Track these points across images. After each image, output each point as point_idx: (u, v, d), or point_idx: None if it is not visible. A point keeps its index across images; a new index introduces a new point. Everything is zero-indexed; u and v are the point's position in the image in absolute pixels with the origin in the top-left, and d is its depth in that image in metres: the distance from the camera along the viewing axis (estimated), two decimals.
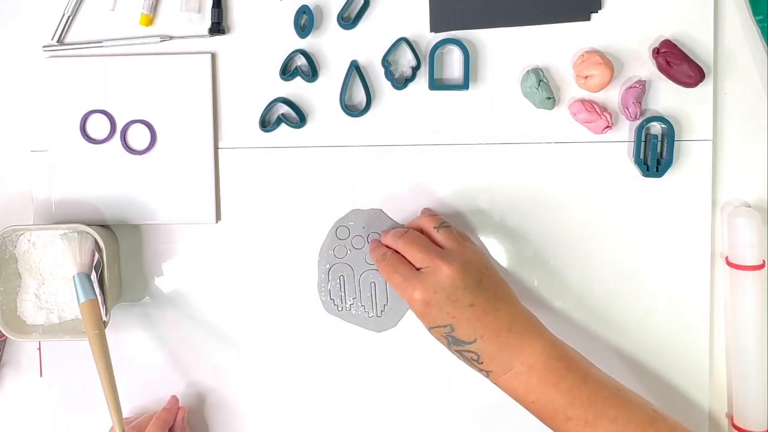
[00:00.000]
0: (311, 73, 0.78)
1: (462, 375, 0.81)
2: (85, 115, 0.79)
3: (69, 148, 0.79)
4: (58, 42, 0.79)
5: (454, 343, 0.67)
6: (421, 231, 0.73)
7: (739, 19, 0.78)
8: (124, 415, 0.76)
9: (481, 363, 0.67)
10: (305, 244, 0.80)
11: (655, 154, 0.77)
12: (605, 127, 0.76)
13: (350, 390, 0.81)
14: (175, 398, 0.81)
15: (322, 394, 0.82)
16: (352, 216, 0.80)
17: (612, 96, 0.78)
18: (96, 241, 0.75)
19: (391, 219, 0.80)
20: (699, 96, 0.77)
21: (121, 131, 0.79)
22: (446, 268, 0.67)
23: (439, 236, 0.71)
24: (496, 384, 0.68)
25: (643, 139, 0.77)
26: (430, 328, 0.69)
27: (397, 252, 0.72)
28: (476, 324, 0.66)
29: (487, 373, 0.68)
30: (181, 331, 0.81)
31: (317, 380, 0.82)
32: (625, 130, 0.79)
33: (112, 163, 0.79)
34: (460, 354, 0.68)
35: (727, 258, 0.78)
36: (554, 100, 0.77)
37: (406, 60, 0.79)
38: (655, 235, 0.79)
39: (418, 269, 0.69)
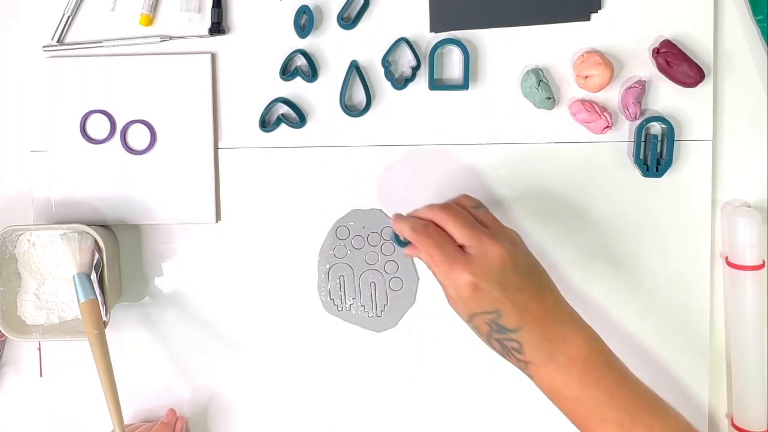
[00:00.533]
0: (311, 73, 0.78)
1: (462, 375, 0.81)
2: (85, 115, 0.79)
3: (69, 148, 0.79)
4: (58, 42, 0.79)
5: (497, 331, 0.62)
6: None
7: (739, 19, 0.78)
8: (126, 421, 0.76)
9: (522, 354, 0.62)
10: (305, 244, 0.80)
11: (655, 154, 0.77)
12: (605, 127, 0.76)
13: (350, 390, 0.81)
14: (172, 411, 0.81)
15: (322, 394, 0.81)
16: (352, 216, 0.80)
17: (612, 96, 0.78)
18: (96, 241, 0.75)
19: (391, 219, 0.79)
20: (699, 96, 0.78)
21: (121, 131, 0.79)
22: (497, 249, 0.61)
23: (480, 215, 0.66)
24: (532, 377, 0.63)
25: (643, 139, 0.77)
26: (473, 315, 0.62)
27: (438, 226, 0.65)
28: (523, 311, 0.61)
29: (525, 365, 0.62)
30: (181, 331, 0.81)
31: (317, 380, 0.82)
32: (625, 130, 0.79)
33: (112, 163, 0.79)
34: (500, 343, 0.62)
35: (727, 258, 0.78)
36: (554, 100, 0.77)
37: (406, 60, 0.79)
38: (655, 235, 0.79)
39: (460, 247, 0.63)
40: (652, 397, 0.64)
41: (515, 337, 0.62)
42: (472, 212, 0.66)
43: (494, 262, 0.61)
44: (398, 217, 0.68)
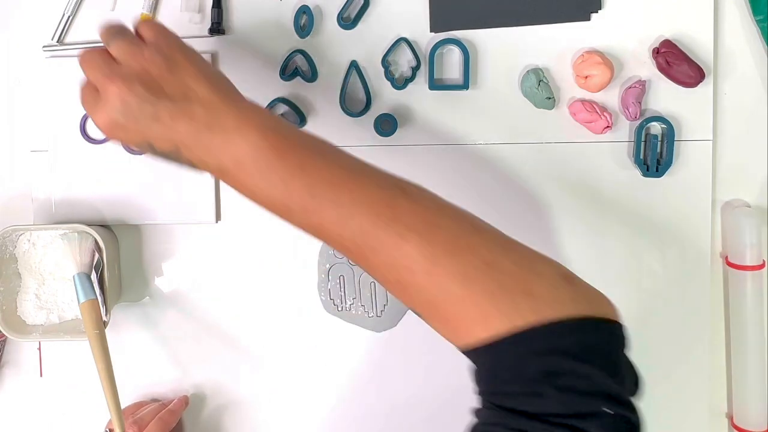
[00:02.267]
0: (311, 73, 0.78)
1: (462, 375, 0.81)
2: (85, 115, 0.79)
3: (69, 148, 0.79)
4: (57, 42, 0.79)
5: (160, 155, 0.60)
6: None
7: (739, 19, 0.78)
8: (125, 403, 0.76)
9: (198, 169, 0.60)
10: (305, 244, 0.80)
11: (655, 154, 0.77)
12: (605, 127, 0.76)
13: (350, 390, 0.81)
14: (181, 400, 0.80)
15: (322, 394, 0.81)
16: None
17: (612, 96, 0.78)
18: (96, 241, 0.75)
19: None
20: (699, 96, 0.77)
21: None
22: (113, 88, 0.59)
23: (114, 50, 0.62)
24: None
25: (643, 139, 0.77)
26: (139, 146, 0.61)
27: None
28: (169, 134, 0.59)
29: (207, 167, 0.60)
30: (181, 331, 0.81)
31: (317, 380, 0.82)
32: (625, 130, 0.79)
33: (112, 163, 0.79)
34: (173, 157, 0.61)
35: (727, 258, 0.78)
36: (554, 100, 0.77)
37: (406, 60, 0.79)
38: (655, 235, 0.79)
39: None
40: (346, 171, 0.59)
41: (178, 154, 0.60)
42: (110, 48, 0.63)
43: (115, 103, 0.59)
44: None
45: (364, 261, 0.56)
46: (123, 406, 0.74)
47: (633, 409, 0.51)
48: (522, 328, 0.50)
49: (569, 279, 0.54)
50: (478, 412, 0.54)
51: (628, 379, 0.54)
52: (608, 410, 0.50)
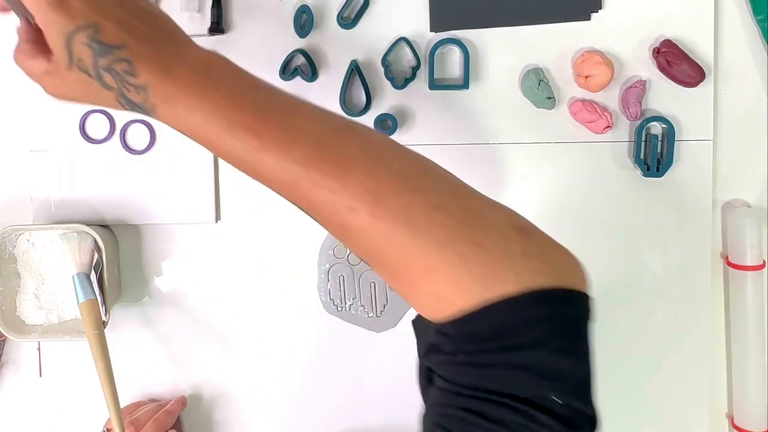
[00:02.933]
0: (311, 72, 0.78)
1: None
2: (84, 115, 0.79)
3: (69, 148, 0.79)
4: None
5: (100, 52, 0.53)
6: None
7: (739, 19, 0.78)
8: (124, 403, 0.76)
9: (136, 75, 0.53)
10: (305, 244, 0.80)
11: (655, 154, 0.77)
12: (605, 127, 0.76)
13: (350, 390, 0.81)
14: (178, 401, 0.80)
15: (322, 394, 0.81)
16: None
17: (612, 96, 0.78)
18: (95, 241, 0.75)
19: None
20: (699, 96, 0.77)
21: (121, 131, 0.79)
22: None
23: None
24: (153, 108, 0.55)
25: (643, 139, 0.77)
26: (69, 35, 0.53)
27: None
28: (126, 26, 0.53)
29: (145, 93, 0.54)
30: (180, 331, 0.81)
31: (317, 380, 0.81)
32: (625, 130, 0.79)
33: (112, 163, 0.79)
34: (111, 74, 0.53)
35: (727, 258, 0.78)
36: (554, 100, 0.77)
37: (406, 60, 0.78)
38: (655, 235, 0.79)
39: None
40: (301, 101, 0.55)
41: (122, 55, 0.53)
42: None
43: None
44: None
45: (306, 200, 0.52)
46: (122, 405, 0.73)
47: (586, 400, 0.48)
48: (468, 294, 0.46)
49: (525, 231, 0.50)
50: (425, 386, 0.51)
51: (583, 360, 0.50)
52: (558, 399, 0.46)
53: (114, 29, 0.53)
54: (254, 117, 0.53)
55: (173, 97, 0.54)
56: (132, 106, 0.55)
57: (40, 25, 0.54)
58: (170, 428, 0.77)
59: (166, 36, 0.55)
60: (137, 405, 0.79)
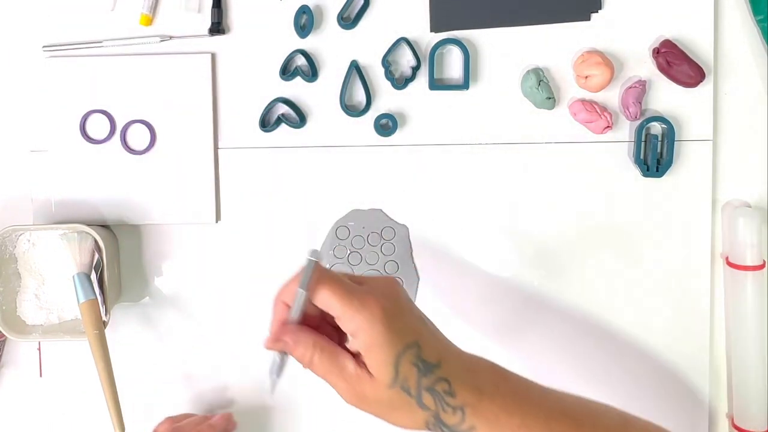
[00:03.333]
0: (311, 73, 0.78)
1: None
2: (85, 115, 0.79)
3: (69, 148, 0.79)
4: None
5: (423, 370, 0.53)
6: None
7: (739, 19, 0.78)
8: (126, 420, 0.75)
9: (455, 395, 0.53)
10: (305, 245, 0.80)
11: (655, 154, 0.77)
12: (605, 127, 0.76)
13: None
14: (224, 416, 0.79)
15: (322, 394, 0.81)
16: (352, 216, 0.80)
17: (612, 96, 0.78)
18: (96, 241, 0.75)
19: (391, 219, 0.80)
20: (699, 96, 0.77)
21: (121, 131, 0.79)
22: (382, 279, 0.56)
23: (356, 278, 0.57)
24: (474, 428, 0.53)
25: (643, 139, 0.77)
26: (398, 358, 0.52)
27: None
28: (436, 342, 0.54)
29: (463, 414, 0.53)
30: (181, 331, 0.81)
31: (317, 380, 0.81)
32: (625, 130, 0.79)
33: (112, 163, 0.79)
34: (432, 395, 0.53)
35: (727, 258, 0.78)
36: (554, 100, 0.77)
37: (406, 60, 0.79)
38: (655, 235, 0.79)
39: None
40: (584, 406, 0.57)
41: (441, 374, 0.53)
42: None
43: (392, 289, 0.56)
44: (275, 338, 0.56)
45: None
46: (121, 405, 0.73)
47: None
48: None
49: None
50: None
51: None
52: None
53: (431, 347, 0.53)
54: (569, 420, 0.54)
55: (496, 415, 0.53)
56: (443, 428, 0.53)
57: (365, 343, 0.53)
58: None
59: (458, 351, 0.56)
60: (185, 416, 0.79)
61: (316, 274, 0.54)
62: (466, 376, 0.54)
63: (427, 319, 0.56)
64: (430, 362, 0.53)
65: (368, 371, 0.53)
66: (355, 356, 0.54)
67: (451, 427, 0.53)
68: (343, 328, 0.54)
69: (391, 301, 0.54)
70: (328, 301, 0.53)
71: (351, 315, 0.53)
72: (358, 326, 0.53)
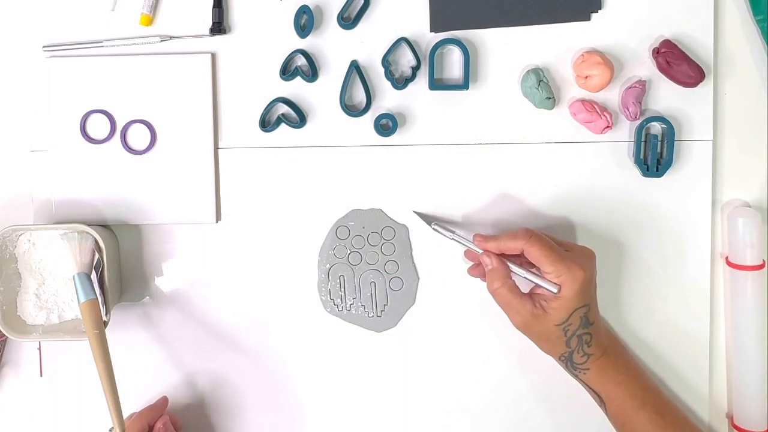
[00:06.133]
0: (311, 73, 0.78)
1: (461, 375, 0.81)
2: (85, 115, 0.79)
3: (69, 148, 0.79)
4: None
5: (583, 325, 0.71)
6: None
7: (739, 19, 0.78)
8: (126, 403, 0.75)
9: (590, 346, 0.72)
10: (305, 244, 0.80)
11: (655, 154, 0.77)
12: (605, 127, 0.76)
13: (350, 390, 0.81)
14: (164, 399, 0.80)
15: (322, 394, 0.81)
16: (352, 216, 0.80)
17: (612, 96, 0.78)
18: (96, 241, 0.75)
19: (391, 219, 0.80)
20: (699, 96, 0.78)
21: (121, 131, 0.79)
22: (588, 252, 0.74)
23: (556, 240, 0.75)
24: (585, 371, 0.73)
25: (643, 139, 0.77)
26: (575, 310, 0.71)
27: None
28: (596, 308, 0.73)
29: (587, 358, 0.73)
30: (181, 331, 0.81)
31: (317, 380, 0.81)
32: (625, 130, 0.79)
33: (112, 163, 0.79)
34: (578, 338, 0.72)
35: (727, 258, 0.78)
36: (554, 100, 0.77)
37: (406, 60, 0.79)
38: (655, 236, 0.79)
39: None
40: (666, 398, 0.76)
41: (590, 330, 0.72)
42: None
43: (592, 265, 0.73)
44: (489, 240, 0.74)
45: None
46: (121, 405, 0.73)
47: None
48: None
49: None
50: None
51: None
52: None
53: (594, 311, 0.73)
54: (661, 402, 0.73)
55: (607, 370, 0.73)
56: (568, 362, 0.74)
57: (562, 293, 0.71)
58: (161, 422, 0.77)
59: (599, 318, 0.75)
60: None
61: (529, 234, 0.72)
62: (603, 338, 0.74)
63: (595, 292, 0.74)
64: (590, 320, 0.72)
65: (543, 310, 0.71)
66: (531, 297, 0.72)
67: (575, 363, 0.73)
68: (548, 278, 0.71)
69: (587, 271, 0.71)
70: (540, 258, 0.71)
71: (558, 272, 0.70)
72: (562, 281, 0.70)
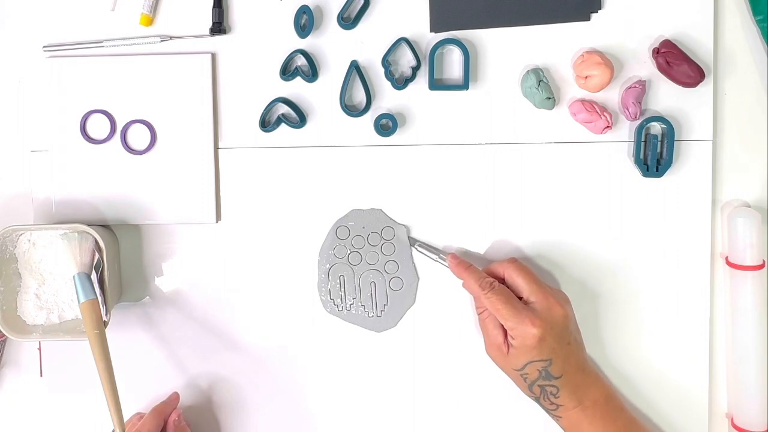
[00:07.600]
0: (311, 73, 0.78)
1: (461, 375, 0.81)
2: (85, 115, 0.79)
3: (69, 148, 0.79)
4: None
5: (545, 377, 0.71)
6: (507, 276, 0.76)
7: (739, 19, 0.78)
8: (125, 404, 0.76)
9: (558, 397, 0.72)
10: (305, 244, 0.80)
11: (655, 154, 0.77)
12: (605, 127, 0.76)
13: (350, 390, 0.81)
14: (176, 395, 0.81)
15: (322, 394, 0.81)
16: (352, 216, 0.80)
17: (612, 96, 0.78)
18: (96, 241, 0.75)
19: (391, 219, 0.80)
20: (699, 96, 0.78)
21: (121, 131, 0.79)
22: (559, 308, 0.72)
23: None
24: (559, 417, 0.73)
25: (643, 139, 0.77)
26: (529, 362, 0.71)
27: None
28: (566, 362, 0.71)
29: (557, 407, 0.72)
30: (181, 331, 0.81)
31: (317, 380, 0.82)
32: (625, 130, 0.79)
33: (112, 163, 0.79)
34: (541, 388, 0.72)
35: (727, 258, 0.78)
36: (554, 100, 0.77)
37: (406, 60, 0.79)
38: (655, 235, 0.79)
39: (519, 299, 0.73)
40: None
41: (556, 384, 0.71)
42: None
43: (557, 319, 0.71)
44: (461, 266, 0.76)
45: None
46: (121, 405, 0.73)
47: None
48: None
49: None
50: None
51: None
52: None
53: (560, 364, 0.71)
54: None
55: (580, 421, 0.72)
56: (536, 401, 0.73)
57: (515, 343, 0.71)
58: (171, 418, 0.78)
59: (583, 366, 0.73)
60: (139, 416, 0.79)
61: (491, 286, 0.73)
62: (575, 390, 0.72)
63: (577, 338, 0.74)
64: (552, 374, 0.71)
65: (507, 349, 0.72)
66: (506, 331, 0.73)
67: (545, 407, 0.73)
68: (506, 327, 0.72)
69: (546, 327, 0.70)
70: (498, 309, 0.72)
71: (513, 326, 0.71)
72: (515, 335, 0.71)
